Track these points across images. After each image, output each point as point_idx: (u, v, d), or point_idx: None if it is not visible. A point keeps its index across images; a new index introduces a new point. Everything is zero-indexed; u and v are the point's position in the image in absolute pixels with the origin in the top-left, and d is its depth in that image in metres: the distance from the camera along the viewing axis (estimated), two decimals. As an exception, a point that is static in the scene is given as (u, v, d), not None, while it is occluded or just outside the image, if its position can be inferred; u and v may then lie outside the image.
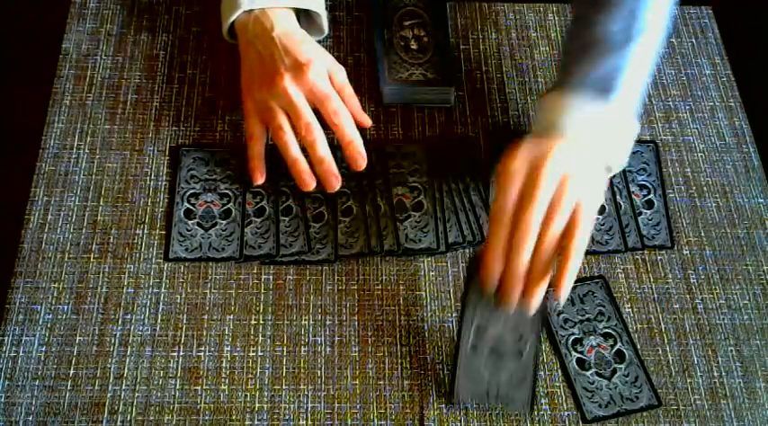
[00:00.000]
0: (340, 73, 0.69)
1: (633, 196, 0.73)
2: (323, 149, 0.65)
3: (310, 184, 0.66)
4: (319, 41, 0.73)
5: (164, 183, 0.70)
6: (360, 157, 0.66)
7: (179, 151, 0.72)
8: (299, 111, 0.65)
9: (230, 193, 0.69)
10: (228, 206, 0.69)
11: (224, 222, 0.68)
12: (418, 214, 0.70)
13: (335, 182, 0.66)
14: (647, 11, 0.63)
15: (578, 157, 0.59)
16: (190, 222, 0.68)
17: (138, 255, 0.67)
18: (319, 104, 0.66)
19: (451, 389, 0.61)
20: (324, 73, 0.67)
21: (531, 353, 0.62)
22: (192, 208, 0.69)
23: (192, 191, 0.69)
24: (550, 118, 0.62)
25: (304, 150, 0.66)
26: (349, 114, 0.67)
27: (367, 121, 0.70)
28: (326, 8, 0.73)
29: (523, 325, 0.62)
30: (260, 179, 0.68)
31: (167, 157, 0.72)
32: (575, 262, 0.56)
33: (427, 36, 0.78)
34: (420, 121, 0.76)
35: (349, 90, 0.69)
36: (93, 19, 0.80)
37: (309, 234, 0.68)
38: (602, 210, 0.72)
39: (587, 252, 0.69)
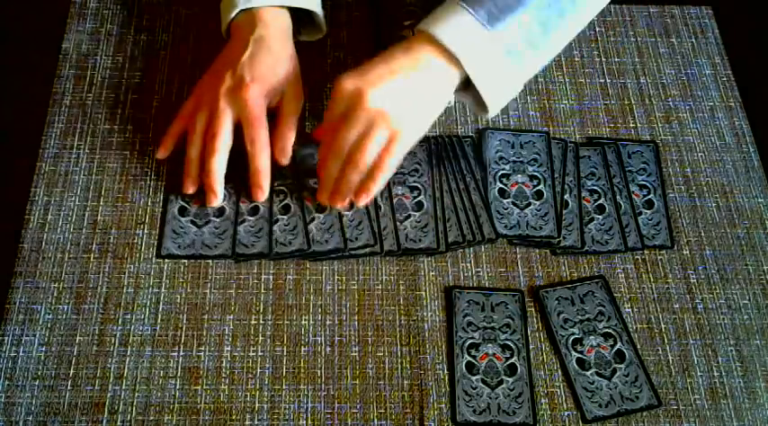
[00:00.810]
0: (293, 104, 0.69)
1: (633, 196, 0.73)
2: (215, 163, 0.66)
3: (187, 188, 0.68)
4: (318, 41, 0.73)
5: (164, 183, 0.70)
6: (259, 191, 0.67)
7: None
8: (216, 121, 0.66)
9: (225, 191, 0.69)
10: (222, 204, 0.69)
11: (217, 220, 0.68)
12: (418, 214, 0.70)
13: (213, 199, 0.67)
14: None
15: (403, 87, 0.61)
16: (183, 219, 0.68)
17: (138, 255, 0.67)
18: (243, 125, 0.66)
19: (453, 411, 0.62)
20: (260, 97, 0.66)
21: (525, 369, 0.64)
22: (185, 205, 0.69)
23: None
24: (434, 19, 0.62)
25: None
26: (266, 145, 0.66)
27: (282, 160, 0.68)
28: (326, 8, 0.73)
29: (512, 344, 0.65)
30: (161, 154, 0.70)
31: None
32: (377, 177, 0.62)
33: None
34: (420, 121, 0.76)
35: (287, 121, 0.68)
36: (93, 19, 0.80)
37: (308, 231, 0.68)
38: (602, 210, 0.72)
39: (587, 252, 0.70)
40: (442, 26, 0.61)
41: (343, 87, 0.61)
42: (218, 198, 0.67)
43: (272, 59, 0.67)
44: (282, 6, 0.69)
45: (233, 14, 0.68)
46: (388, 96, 0.61)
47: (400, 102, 0.61)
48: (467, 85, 0.63)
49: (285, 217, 0.69)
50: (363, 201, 0.64)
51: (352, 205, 0.68)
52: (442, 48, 0.61)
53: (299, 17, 0.73)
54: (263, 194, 0.67)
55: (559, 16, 0.62)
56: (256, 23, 0.67)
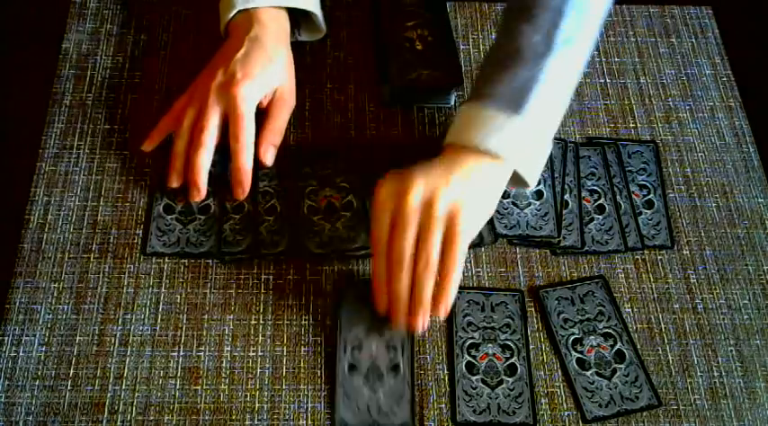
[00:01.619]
0: (283, 104, 0.69)
1: (633, 196, 0.73)
2: (200, 157, 0.65)
3: (171, 182, 0.68)
4: (318, 41, 0.73)
5: (163, 183, 0.70)
6: (239, 189, 0.67)
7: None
8: (203, 116, 0.65)
9: (210, 189, 0.69)
10: (207, 201, 0.69)
11: (203, 217, 0.68)
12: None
13: (195, 194, 0.67)
14: (571, 22, 0.61)
15: (445, 178, 0.58)
16: (168, 217, 0.68)
17: (137, 255, 0.67)
18: (229, 122, 0.66)
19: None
20: (250, 95, 0.65)
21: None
22: (171, 203, 0.69)
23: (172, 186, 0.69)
24: (459, 129, 0.61)
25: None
26: (249, 143, 0.66)
27: (266, 160, 0.68)
28: (325, 8, 0.73)
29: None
30: (146, 147, 0.70)
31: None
32: (452, 280, 0.58)
33: (431, 36, 0.78)
34: (420, 121, 0.76)
35: (275, 123, 0.68)
36: (93, 19, 0.80)
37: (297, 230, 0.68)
38: (602, 210, 0.72)
39: (587, 252, 0.70)
40: (477, 132, 0.60)
41: (381, 194, 0.59)
42: (201, 193, 0.67)
43: (265, 59, 0.67)
44: (281, 7, 0.69)
45: (231, 14, 0.68)
46: (433, 188, 0.58)
47: (447, 190, 0.58)
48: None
49: (270, 218, 0.68)
50: (443, 314, 0.59)
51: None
52: (486, 153, 0.59)
53: (299, 17, 0.73)
54: (243, 193, 0.67)
55: (573, 71, 0.63)
56: (253, 23, 0.67)
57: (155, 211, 0.68)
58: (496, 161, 0.60)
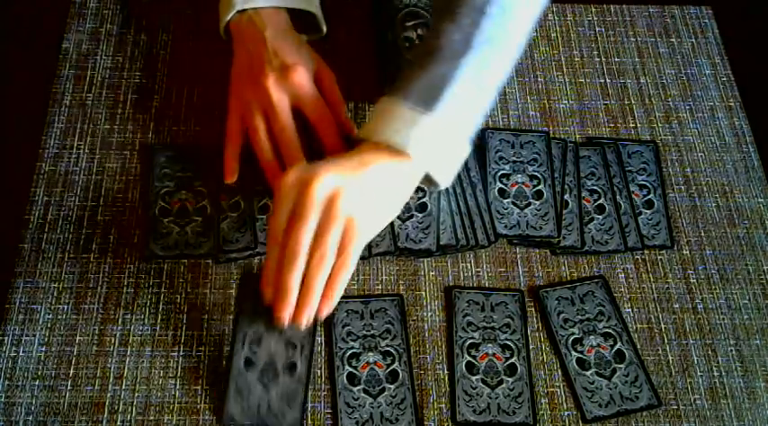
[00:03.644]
0: (329, 77, 0.69)
1: (633, 196, 0.73)
2: (294, 153, 0.65)
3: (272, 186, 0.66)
4: (318, 41, 0.73)
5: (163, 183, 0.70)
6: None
7: (151, 149, 0.72)
8: (277, 114, 0.65)
9: (204, 190, 0.69)
10: (203, 203, 0.69)
11: (199, 219, 0.68)
12: (421, 215, 0.70)
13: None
14: (494, 22, 0.59)
15: (352, 175, 0.57)
16: (165, 221, 0.68)
17: (138, 255, 0.67)
18: (303, 107, 0.66)
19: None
20: (309, 76, 0.66)
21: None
22: (166, 206, 0.69)
23: (165, 189, 0.69)
24: (372, 124, 0.60)
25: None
26: (332, 120, 0.66)
27: (351, 128, 0.68)
28: (325, 8, 0.73)
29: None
30: (230, 178, 0.68)
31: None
32: (340, 279, 0.56)
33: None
34: (420, 121, 0.76)
35: (335, 95, 0.69)
36: (93, 19, 0.80)
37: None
38: (602, 210, 0.72)
39: (587, 252, 0.70)
40: (387, 128, 0.58)
41: (285, 183, 0.57)
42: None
43: (294, 45, 0.67)
44: (279, 7, 0.69)
45: (231, 14, 0.68)
46: (338, 182, 0.56)
47: (352, 188, 0.56)
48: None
49: (263, 216, 0.68)
50: (324, 314, 0.57)
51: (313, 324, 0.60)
52: (394, 149, 0.58)
53: (297, 18, 0.73)
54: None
55: (491, 74, 0.61)
56: (257, 23, 0.67)
57: (151, 216, 0.68)
58: (405, 158, 0.58)
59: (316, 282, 0.56)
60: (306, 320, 0.56)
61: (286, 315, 0.56)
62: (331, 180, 0.56)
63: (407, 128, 0.58)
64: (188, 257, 0.67)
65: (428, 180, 0.61)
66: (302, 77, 0.65)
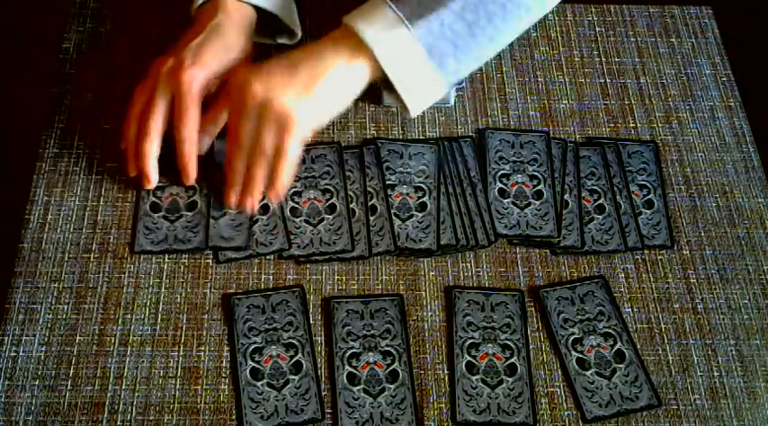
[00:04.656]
0: (227, 93, 0.67)
1: (633, 196, 0.73)
2: (146, 145, 0.65)
3: (129, 171, 0.68)
4: (297, 43, 0.73)
5: (163, 182, 0.70)
6: (184, 176, 0.67)
7: None
8: (151, 103, 0.65)
9: (196, 185, 0.69)
10: (194, 197, 0.69)
11: (189, 214, 0.68)
12: (421, 215, 0.70)
13: (145, 182, 0.67)
14: None
15: (290, 77, 0.61)
16: (156, 215, 0.68)
17: (138, 255, 0.67)
18: (174, 109, 0.65)
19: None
20: (200, 81, 0.65)
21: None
22: (158, 201, 0.69)
23: (158, 184, 0.69)
24: (356, 13, 0.62)
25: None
26: (192, 130, 0.65)
27: (201, 146, 0.67)
28: (324, 9, 0.73)
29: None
30: (149, 184, 0.68)
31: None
32: (283, 166, 0.62)
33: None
34: (420, 121, 0.76)
35: (213, 114, 0.67)
36: (93, 19, 0.80)
37: (288, 231, 0.68)
38: (602, 210, 0.72)
39: (587, 252, 0.70)
40: (364, 20, 0.61)
41: (234, 81, 0.63)
42: (150, 182, 0.67)
43: (221, 47, 0.66)
44: (246, 2, 0.69)
45: (199, 1, 0.68)
46: (274, 82, 0.61)
47: (287, 87, 0.61)
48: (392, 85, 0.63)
49: (264, 217, 0.68)
50: (278, 193, 0.64)
51: (264, 208, 0.69)
52: (363, 44, 0.61)
53: (275, 21, 0.72)
54: (188, 180, 0.67)
55: (488, 19, 0.62)
56: (217, 12, 0.67)
57: (141, 210, 0.68)
58: (364, 58, 0.61)
59: (255, 173, 0.63)
60: (250, 206, 0.65)
61: (233, 199, 0.66)
62: (266, 82, 0.61)
63: (384, 29, 0.60)
64: (176, 252, 0.67)
65: (396, 97, 0.63)
66: (187, 79, 0.64)
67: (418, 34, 0.60)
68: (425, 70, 0.62)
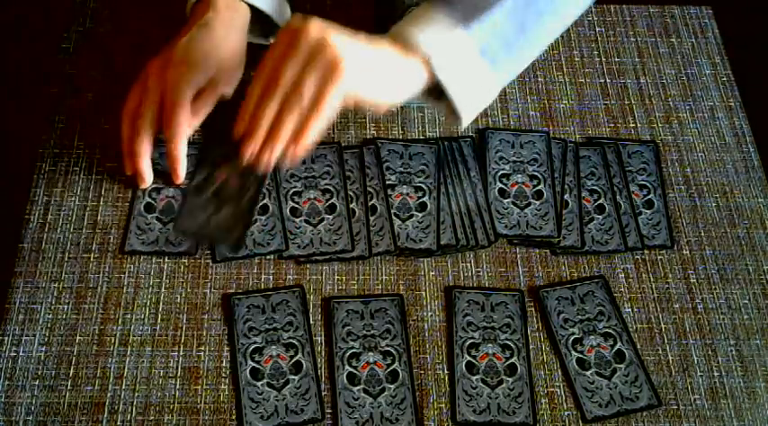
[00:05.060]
0: (216, 87, 0.67)
1: (633, 196, 0.73)
2: (137, 145, 0.65)
3: (125, 169, 0.67)
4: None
5: (159, 184, 0.70)
6: (172, 175, 0.66)
7: None
8: (143, 101, 0.65)
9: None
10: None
11: None
12: (421, 214, 0.70)
13: (140, 182, 0.67)
14: None
15: (358, 42, 0.56)
16: (149, 216, 0.68)
17: (138, 255, 0.67)
18: (163, 103, 0.65)
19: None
20: (187, 82, 0.64)
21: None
22: (152, 202, 0.68)
23: (152, 186, 0.69)
24: (402, 24, 0.59)
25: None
26: (180, 129, 0.64)
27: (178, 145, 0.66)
28: (325, 7, 0.72)
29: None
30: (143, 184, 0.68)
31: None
32: (314, 120, 0.55)
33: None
34: (420, 121, 0.76)
35: (196, 107, 0.66)
36: (92, 19, 0.80)
37: (286, 232, 0.68)
38: (602, 210, 0.72)
39: (587, 252, 0.70)
40: (417, 27, 0.58)
41: (291, 22, 0.56)
42: (145, 181, 0.67)
43: (209, 45, 0.66)
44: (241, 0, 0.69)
45: (194, 0, 0.69)
46: (335, 30, 0.55)
47: (347, 39, 0.56)
48: (441, 92, 0.60)
49: (263, 217, 0.68)
50: (301, 150, 0.57)
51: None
52: (416, 48, 0.57)
53: (268, 21, 0.72)
54: (176, 179, 0.67)
55: (537, 16, 0.60)
56: (209, 10, 0.67)
57: (135, 210, 0.68)
58: (418, 58, 0.57)
59: (286, 119, 0.56)
60: (267, 158, 0.57)
61: (250, 150, 0.58)
62: (330, 27, 0.55)
63: (435, 33, 0.57)
64: (167, 254, 0.67)
65: (451, 111, 0.60)
66: (173, 77, 0.64)
67: (472, 34, 0.58)
68: (479, 72, 0.59)
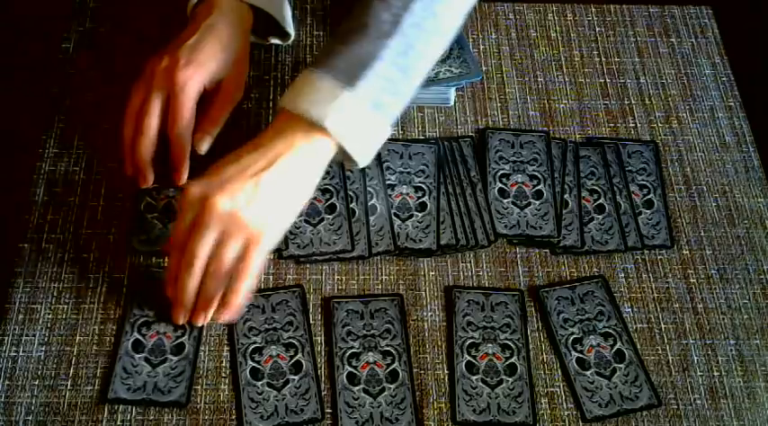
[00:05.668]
0: (226, 93, 0.67)
1: (633, 196, 0.73)
2: (140, 145, 0.65)
3: (125, 170, 0.67)
4: (317, 41, 0.73)
5: (163, 181, 0.70)
6: (175, 174, 0.66)
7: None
8: (147, 101, 0.64)
9: (186, 325, 0.64)
10: (182, 339, 0.64)
11: (174, 358, 0.63)
12: (421, 214, 0.70)
13: (142, 180, 0.66)
14: (424, 8, 0.59)
15: (256, 179, 0.56)
16: (137, 356, 0.63)
17: (138, 256, 0.67)
18: (169, 108, 0.65)
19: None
20: (194, 84, 0.64)
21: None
22: (140, 338, 0.63)
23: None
24: (292, 94, 0.59)
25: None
26: (185, 129, 0.65)
27: (200, 149, 0.67)
28: (324, 8, 0.72)
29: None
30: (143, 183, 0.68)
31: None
32: (241, 287, 0.57)
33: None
34: (420, 121, 0.76)
35: (216, 112, 0.67)
36: (93, 19, 0.80)
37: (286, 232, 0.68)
38: (602, 210, 0.72)
39: (587, 252, 0.70)
40: (306, 99, 0.58)
41: (189, 194, 0.57)
42: (146, 180, 0.66)
43: (217, 46, 0.66)
44: (242, 1, 0.69)
45: (194, 0, 0.68)
46: (240, 198, 0.56)
47: (255, 201, 0.56)
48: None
49: None
50: (226, 318, 0.59)
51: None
52: (309, 122, 0.57)
53: (269, 20, 0.72)
54: (179, 179, 0.66)
55: (417, 58, 0.60)
56: (212, 11, 0.67)
57: (121, 348, 0.63)
58: (319, 134, 0.57)
59: (210, 291, 0.58)
60: (202, 322, 0.61)
61: (181, 317, 0.61)
62: (232, 198, 0.56)
63: (327, 101, 0.57)
64: (154, 404, 0.62)
65: (347, 157, 0.60)
66: (181, 78, 0.64)
67: (361, 94, 0.58)
68: (374, 123, 0.59)
